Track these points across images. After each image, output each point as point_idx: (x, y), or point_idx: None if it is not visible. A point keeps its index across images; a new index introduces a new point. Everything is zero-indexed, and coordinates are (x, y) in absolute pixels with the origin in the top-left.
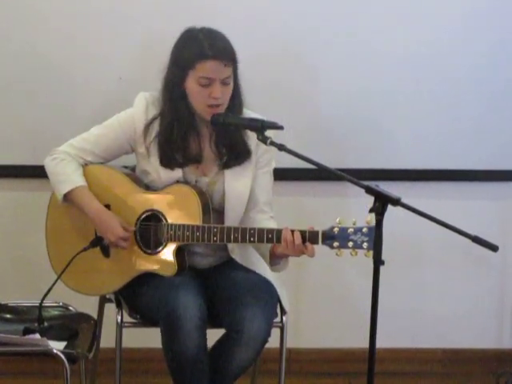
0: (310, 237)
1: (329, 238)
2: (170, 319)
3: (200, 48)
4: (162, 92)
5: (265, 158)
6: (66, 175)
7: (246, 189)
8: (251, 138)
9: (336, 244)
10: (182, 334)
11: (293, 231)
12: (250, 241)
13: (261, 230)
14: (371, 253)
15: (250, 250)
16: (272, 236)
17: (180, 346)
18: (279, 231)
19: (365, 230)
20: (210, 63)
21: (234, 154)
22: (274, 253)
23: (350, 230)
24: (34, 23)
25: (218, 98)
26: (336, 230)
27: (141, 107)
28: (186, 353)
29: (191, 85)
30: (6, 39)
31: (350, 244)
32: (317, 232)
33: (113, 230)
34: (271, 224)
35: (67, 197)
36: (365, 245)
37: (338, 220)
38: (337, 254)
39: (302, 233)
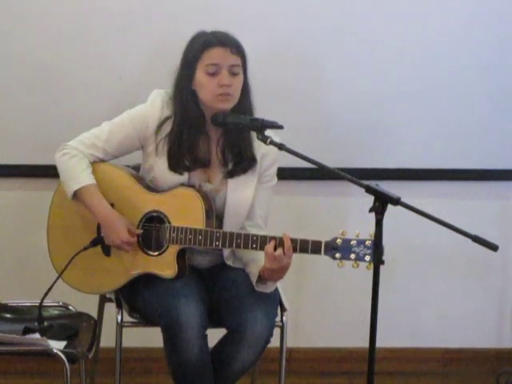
0: (312, 247)
1: (331, 248)
2: (172, 328)
3: (205, 39)
4: (172, 94)
5: (269, 173)
6: (77, 172)
7: (247, 202)
8: (257, 148)
9: (338, 255)
10: (184, 344)
11: (292, 240)
12: (252, 247)
13: (263, 238)
14: (373, 265)
15: (243, 262)
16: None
17: (183, 355)
18: (281, 239)
19: (368, 242)
20: (215, 50)
21: (240, 160)
22: (262, 274)
23: (353, 242)
24: (34, 23)
25: (226, 86)
26: (339, 241)
27: (156, 105)
28: (189, 362)
29: (200, 77)
30: (7, 40)
31: (353, 256)
32: (319, 242)
33: (118, 233)
34: None
35: (76, 194)
36: (367, 257)
37: (340, 232)
38: (338, 266)
39: (305, 242)
